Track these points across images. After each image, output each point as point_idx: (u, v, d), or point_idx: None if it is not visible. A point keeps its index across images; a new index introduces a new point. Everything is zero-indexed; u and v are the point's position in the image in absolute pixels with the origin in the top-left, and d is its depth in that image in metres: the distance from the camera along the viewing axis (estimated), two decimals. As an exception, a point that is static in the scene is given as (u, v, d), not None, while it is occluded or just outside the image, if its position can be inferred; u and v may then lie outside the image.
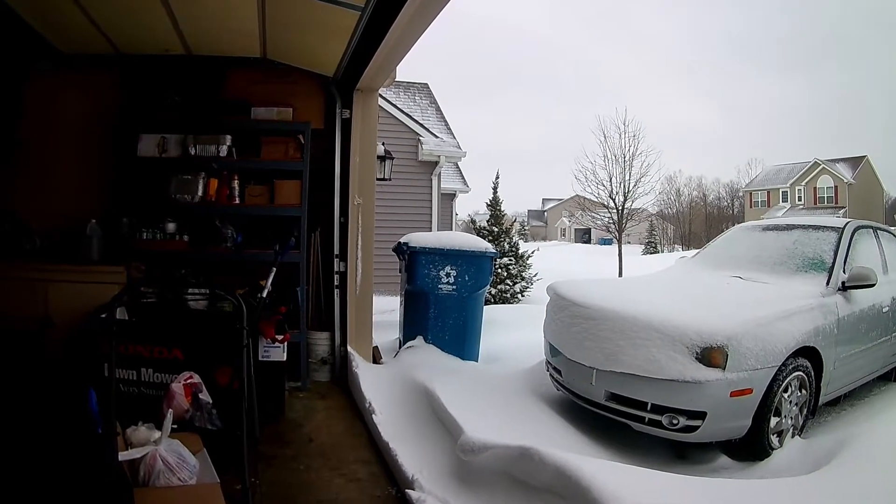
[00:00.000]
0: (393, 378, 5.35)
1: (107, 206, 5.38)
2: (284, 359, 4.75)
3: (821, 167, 53.12)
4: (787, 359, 4.19)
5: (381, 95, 7.69)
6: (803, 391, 4.45)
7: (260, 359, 4.44)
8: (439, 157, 14.86)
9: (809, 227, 5.98)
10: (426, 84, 19.71)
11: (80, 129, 5.60)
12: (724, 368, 3.89)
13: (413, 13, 3.94)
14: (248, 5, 4.47)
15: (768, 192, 58.41)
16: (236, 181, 5.53)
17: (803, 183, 54.33)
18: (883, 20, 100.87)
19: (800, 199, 54.54)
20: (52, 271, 4.89)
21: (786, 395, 4.26)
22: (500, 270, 15.41)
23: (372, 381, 5.27)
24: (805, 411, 4.53)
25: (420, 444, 4.11)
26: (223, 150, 5.46)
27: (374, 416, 4.63)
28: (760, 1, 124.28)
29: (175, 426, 3.26)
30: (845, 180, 51.38)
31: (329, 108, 6.02)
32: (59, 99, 5.60)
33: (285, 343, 4.76)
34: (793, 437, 4.39)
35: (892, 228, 6.88)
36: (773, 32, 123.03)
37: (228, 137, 5.50)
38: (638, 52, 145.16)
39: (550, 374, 5.18)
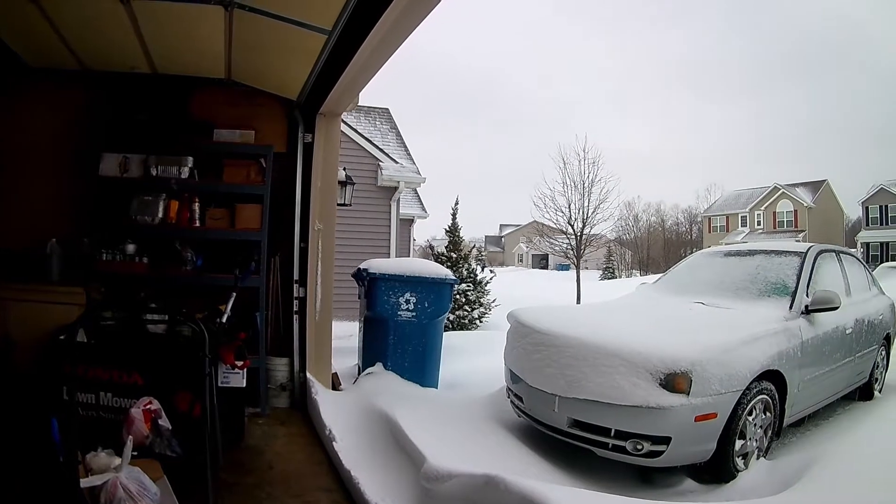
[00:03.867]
0: (353, 405, 5.34)
1: (68, 225, 5.33)
2: (244, 385, 4.73)
3: (780, 192, 54.38)
4: (752, 383, 4.30)
5: (343, 120, 7.75)
6: (768, 414, 4.57)
7: (219, 384, 4.41)
8: (399, 182, 15.01)
9: (772, 252, 6.14)
10: (387, 109, 19.99)
11: (43, 145, 5.55)
12: (689, 394, 3.98)
13: (381, 38, 3.96)
14: (216, 26, 4.48)
15: (727, 217, 59.81)
16: (197, 204, 5.47)
17: (763, 207, 55.61)
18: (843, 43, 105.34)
19: (759, 224, 55.78)
20: (13, 290, 4.82)
21: (750, 419, 4.37)
22: (458, 297, 15.53)
23: (332, 408, 5.25)
24: (770, 433, 4.64)
25: (382, 472, 4.10)
26: (185, 172, 5.41)
27: (334, 443, 4.60)
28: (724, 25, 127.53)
29: (135, 452, 3.25)
30: (805, 204, 52.62)
31: (292, 131, 6.05)
32: (22, 113, 5.55)
33: (245, 369, 4.74)
34: (758, 458, 4.50)
35: (854, 251, 7.18)
36: (730, 57, 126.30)
37: (190, 159, 5.45)
38: (597, 80, 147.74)
39: (512, 401, 5.26)
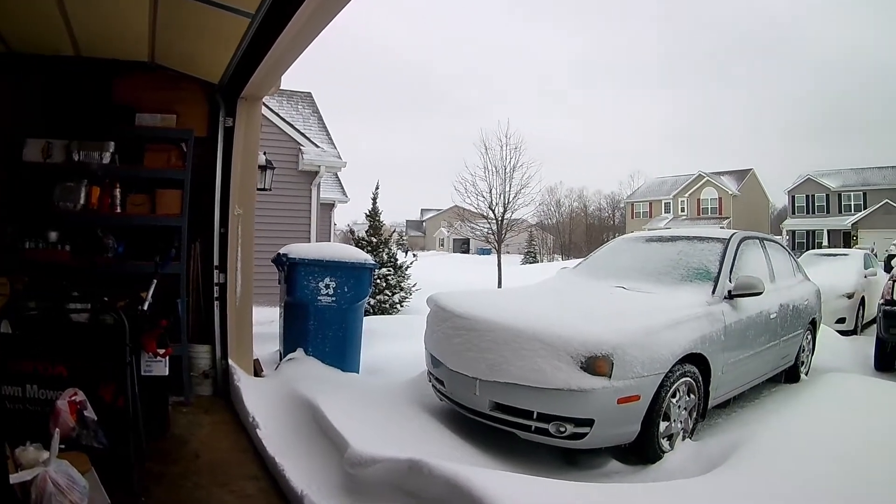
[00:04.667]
0: (275, 391, 5.39)
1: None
2: (167, 373, 4.69)
3: (705, 179, 55.92)
4: (674, 365, 4.43)
5: (264, 104, 7.69)
6: (692, 396, 4.71)
7: (142, 373, 4.39)
8: (319, 166, 14.91)
9: (694, 238, 6.27)
10: (310, 93, 19.84)
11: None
12: (611, 376, 4.07)
13: (304, 22, 3.97)
14: (140, 5, 4.43)
15: (650, 203, 61.01)
16: (118, 189, 5.46)
17: (687, 194, 57.03)
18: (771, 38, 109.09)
19: (683, 210, 57.18)
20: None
21: (674, 401, 4.50)
22: (378, 281, 15.68)
23: (254, 395, 5.29)
24: (695, 415, 4.79)
25: (307, 459, 4.14)
26: (106, 157, 5.41)
27: (258, 430, 4.65)
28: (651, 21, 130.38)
29: (62, 445, 3.23)
30: (730, 192, 54.23)
31: (213, 115, 6.00)
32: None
33: (167, 357, 4.71)
34: (683, 440, 4.65)
35: (779, 238, 7.41)
36: (652, 52, 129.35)
37: (112, 144, 5.44)
38: (524, 71, 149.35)
39: (433, 385, 5.35)
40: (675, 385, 4.47)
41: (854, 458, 3.83)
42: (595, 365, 4.09)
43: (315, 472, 3.94)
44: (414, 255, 19.05)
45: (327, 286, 6.40)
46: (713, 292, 5.29)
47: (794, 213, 52.34)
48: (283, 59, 4.88)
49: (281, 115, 15.30)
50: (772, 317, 5.89)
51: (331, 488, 3.73)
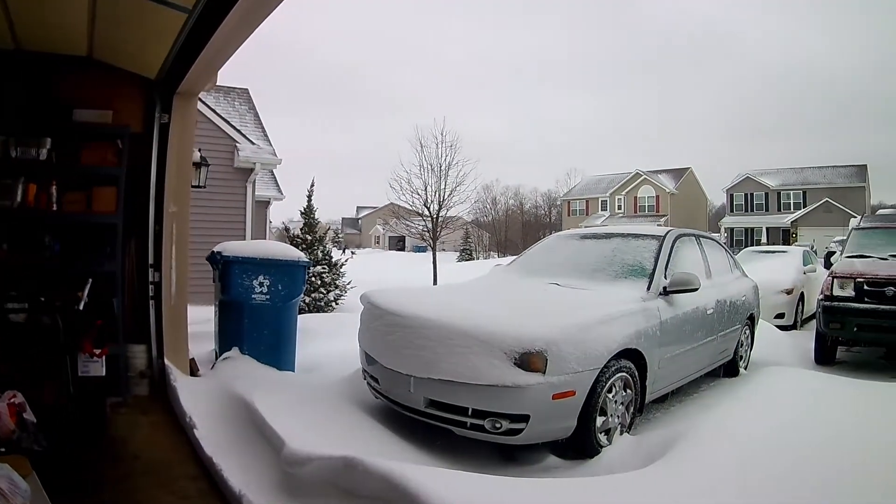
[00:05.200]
0: (211, 391, 5.39)
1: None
2: (104, 373, 4.70)
3: (642, 177, 56.74)
4: (610, 361, 4.49)
5: (200, 100, 7.63)
6: (628, 391, 4.80)
7: (80, 374, 4.36)
8: (255, 164, 14.95)
9: (629, 235, 6.36)
10: (246, 90, 19.83)
11: None
12: (545, 372, 4.13)
13: (240, 17, 4.04)
14: (80, 1, 4.40)
15: (587, 201, 61.67)
16: (55, 187, 5.38)
17: (624, 192, 57.86)
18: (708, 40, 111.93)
19: (620, 208, 57.92)
20: None
21: (610, 396, 4.59)
22: (313, 279, 15.64)
23: (190, 395, 5.29)
24: (632, 409, 4.88)
25: (245, 458, 4.16)
26: (43, 154, 5.33)
27: (195, 430, 4.66)
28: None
29: (2, 449, 3.21)
30: (667, 190, 55.15)
31: (149, 112, 5.99)
32: None
33: (104, 357, 4.69)
34: (621, 434, 4.74)
35: (716, 236, 7.58)
36: (592, 51, 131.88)
37: (49, 140, 5.36)
38: (463, 70, 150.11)
39: (368, 383, 5.37)
40: (611, 380, 4.57)
41: (793, 450, 3.89)
42: (529, 361, 4.15)
43: (253, 472, 3.96)
44: (352, 253, 18.97)
45: (261, 284, 6.42)
46: (648, 289, 5.41)
47: (732, 211, 53.56)
48: (220, 55, 4.93)
49: (217, 111, 15.25)
50: (708, 312, 6.03)
51: (269, 487, 3.77)
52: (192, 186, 6.98)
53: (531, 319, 4.49)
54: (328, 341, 8.10)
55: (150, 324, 5.98)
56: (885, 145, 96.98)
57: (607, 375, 4.51)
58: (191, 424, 4.76)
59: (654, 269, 5.61)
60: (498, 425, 4.21)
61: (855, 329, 8.04)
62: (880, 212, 16.45)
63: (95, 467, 4.09)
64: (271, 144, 17.05)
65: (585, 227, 25.11)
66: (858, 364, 8.55)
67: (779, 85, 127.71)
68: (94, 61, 5.74)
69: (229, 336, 6.49)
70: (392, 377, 4.81)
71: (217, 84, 7.31)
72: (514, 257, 7.64)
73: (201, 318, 7.60)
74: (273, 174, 18.70)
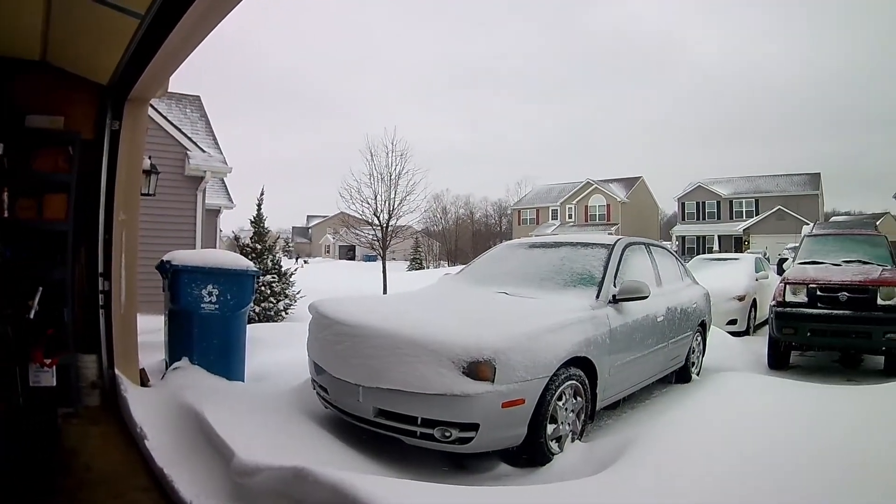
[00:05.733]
0: (161, 401, 5.30)
1: None
2: (55, 384, 4.65)
3: (593, 187, 57.39)
4: (559, 369, 4.56)
5: (152, 106, 7.57)
6: (579, 398, 4.87)
7: (31, 384, 4.30)
8: (206, 172, 14.92)
9: (578, 243, 6.41)
10: (198, 97, 19.85)
11: None
12: (494, 381, 4.16)
13: (192, 24, 3.99)
14: (35, 3, 4.36)
15: (538, 210, 62.35)
16: (6, 193, 5.27)
17: (574, 201, 58.52)
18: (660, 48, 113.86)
19: (570, 217, 58.57)
20: None
21: (560, 403, 4.65)
22: (263, 288, 15.59)
23: (141, 406, 5.17)
24: (583, 417, 4.96)
25: (196, 469, 4.12)
26: (-5, 160, 5.22)
27: (146, 441, 4.57)
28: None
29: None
30: (618, 199, 55.89)
31: (101, 118, 5.84)
32: None
33: (54, 367, 4.63)
34: (573, 441, 4.80)
35: (666, 244, 7.69)
36: (541, 61, 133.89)
37: (0, 146, 5.21)
38: (411, 79, 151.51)
39: (318, 393, 5.38)
40: (561, 388, 4.62)
41: (746, 454, 3.92)
42: (477, 370, 4.18)
43: (203, 483, 3.93)
44: (305, 261, 18.89)
45: (210, 293, 6.37)
46: (597, 297, 5.46)
47: (683, 219, 54.36)
48: (172, 60, 4.90)
49: (169, 118, 15.17)
50: (659, 320, 6.12)
51: (219, 498, 3.75)
52: (142, 194, 6.90)
53: (479, 328, 4.50)
54: (278, 351, 8.09)
55: (101, 333, 5.83)
56: (839, 153, 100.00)
57: (557, 383, 4.57)
58: (142, 435, 4.67)
59: (603, 278, 5.68)
60: (448, 434, 4.24)
61: (808, 334, 8.23)
62: (833, 219, 16.88)
63: (47, 479, 4.05)
64: (222, 152, 17.06)
65: (535, 235, 25.39)
66: (812, 368, 8.80)
67: (731, 94, 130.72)
68: (47, 65, 5.68)
69: (179, 346, 6.41)
70: (341, 387, 4.82)
71: (169, 91, 7.28)
72: (464, 266, 7.68)
73: (151, 328, 7.55)
74: (224, 182, 18.64)
